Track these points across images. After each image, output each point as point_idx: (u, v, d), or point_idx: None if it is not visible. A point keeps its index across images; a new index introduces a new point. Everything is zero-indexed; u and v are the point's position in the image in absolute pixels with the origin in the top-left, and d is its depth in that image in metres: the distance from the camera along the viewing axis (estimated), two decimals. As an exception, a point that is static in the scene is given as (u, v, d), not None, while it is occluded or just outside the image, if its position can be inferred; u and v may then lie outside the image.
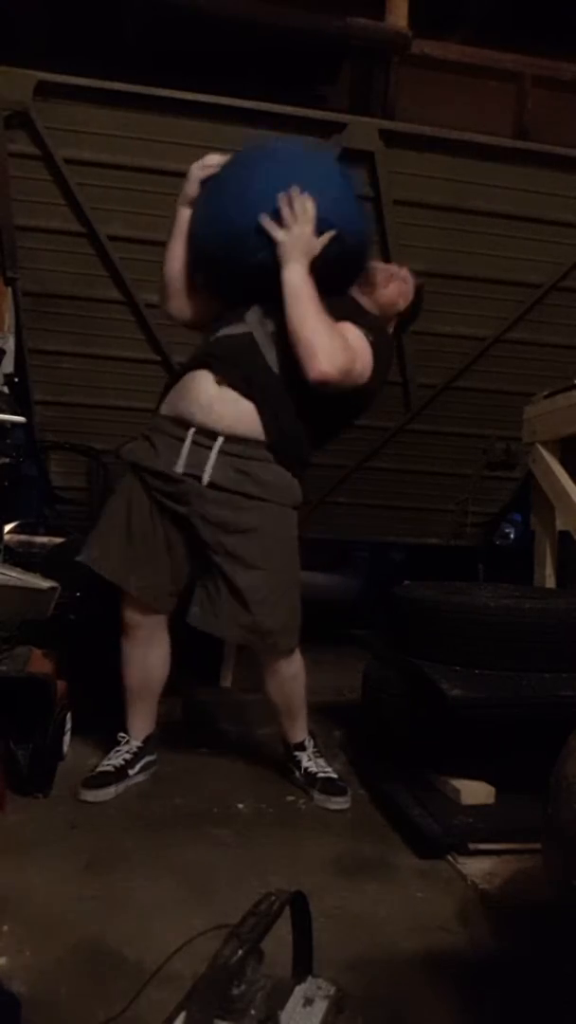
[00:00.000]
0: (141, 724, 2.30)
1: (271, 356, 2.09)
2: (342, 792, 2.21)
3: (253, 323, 2.12)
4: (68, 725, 2.40)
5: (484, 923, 1.62)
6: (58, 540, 3.39)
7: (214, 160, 2.15)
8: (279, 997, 0.89)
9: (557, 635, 2.13)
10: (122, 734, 2.29)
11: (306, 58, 4.32)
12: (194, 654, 2.48)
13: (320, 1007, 0.90)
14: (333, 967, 1.35)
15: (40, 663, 2.27)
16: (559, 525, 2.99)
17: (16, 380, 3.53)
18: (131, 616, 2.22)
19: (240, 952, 0.85)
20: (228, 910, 0.98)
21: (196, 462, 2.07)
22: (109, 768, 2.18)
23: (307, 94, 4.16)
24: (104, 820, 2.01)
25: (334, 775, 2.27)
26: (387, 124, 3.41)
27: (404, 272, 2.37)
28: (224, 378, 2.07)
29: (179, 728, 2.81)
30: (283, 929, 0.97)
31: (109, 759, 2.22)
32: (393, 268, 2.39)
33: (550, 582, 3.06)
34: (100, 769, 2.19)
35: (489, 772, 2.06)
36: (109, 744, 2.54)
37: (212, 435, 2.07)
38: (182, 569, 2.18)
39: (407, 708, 2.22)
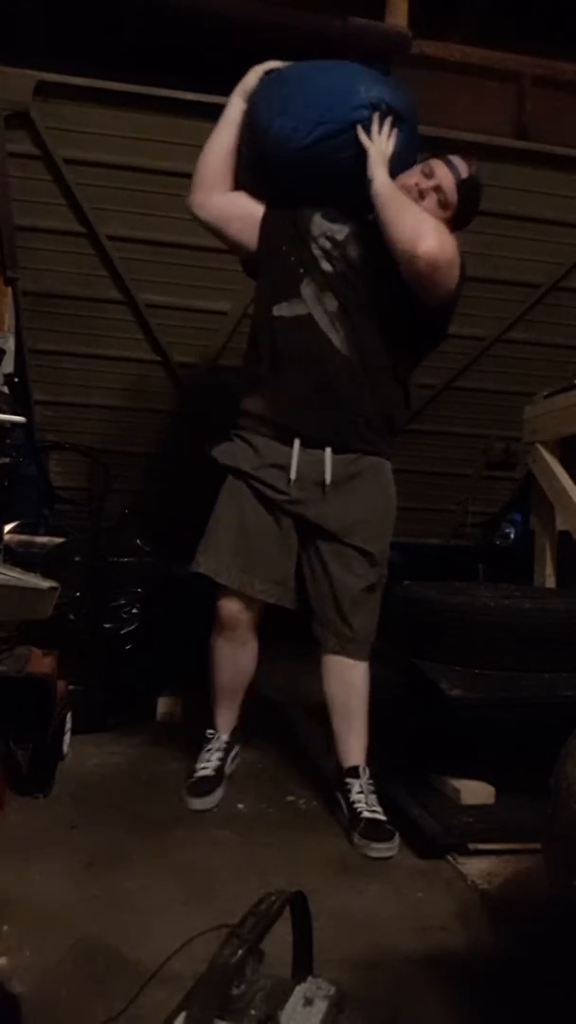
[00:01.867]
0: (228, 718, 2.29)
1: (337, 337, 2.08)
2: (387, 837, 1.93)
3: (311, 301, 2.09)
4: (68, 725, 2.40)
5: (484, 923, 1.62)
6: (58, 540, 3.39)
7: (279, 63, 2.16)
8: (279, 997, 0.89)
9: (557, 635, 2.13)
10: (210, 731, 2.28)
11: (306, 58, 4.32)
12: (194, 653, 2.49)
13: (320, 1007, 0.90)
14: (333, 967, 1.35)
15: (40, 663, 2.27)
16: (559, 525, 2.99)
17: (16, 380, 3.53)
18: (230, 615, 2.18)
19: (240, 952, 0.85)
20: (228, 910, 0.98)
21: (309, 469, 2.09)
22: (209, 771, 2.17)
23: (307, 94, 4.15)
24: (104, 820, 2.01)
25: (382, 816, 1.99)
26: (387, 124, 3.40)
27: (437, 176, 2.10)
28: (307, 386, 2.08)
29: (179, 728, 2.81)
30: (283, 929, 0.97)
31: (206, 760, 2.20)
32: (420, 178, 2.11)
33: (550, 582, 3.06)
34: (200, 774, 2.17)
35: (489, 772, 2.06)
36: (109, 744, 2.55)
37: (319, 445, 2.09)
38: (292, 561, 2.16)
39: (407, 708, 2.22)
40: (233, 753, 2.30)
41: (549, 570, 3.07)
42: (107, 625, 2.81)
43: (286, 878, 1.69)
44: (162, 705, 2.87)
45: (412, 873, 1.83)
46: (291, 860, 1.86)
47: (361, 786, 2.06)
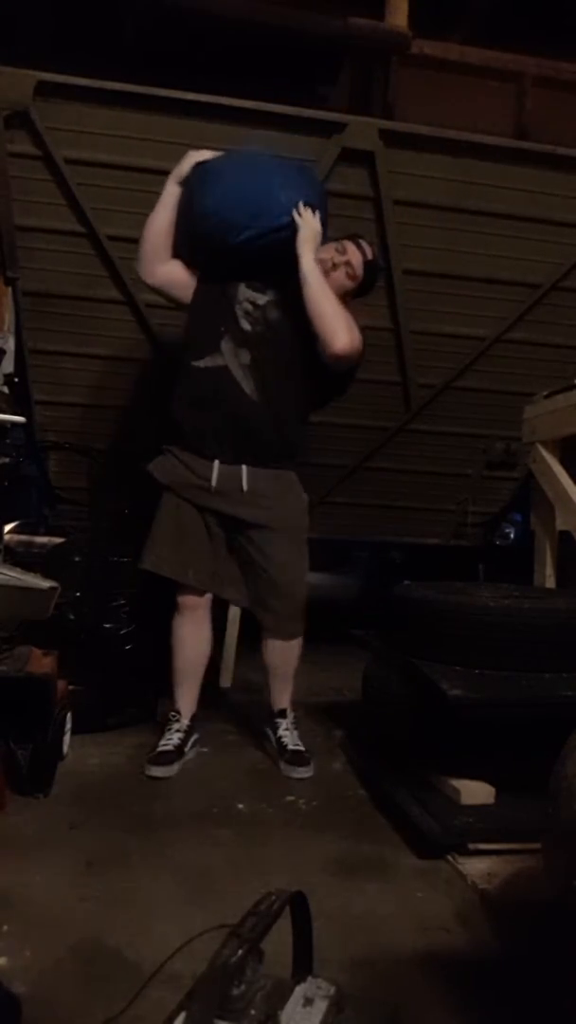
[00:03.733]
0: (189, 703, 2.57)
1: (248, 386, 2.45)
2: (306, 763, 2.44)
3: (228, 355, 2.45)
4: (68, 725, 2.40)
5: (484, 923, 1.62)
6: (58, 540, 3.39)
7: (209, 153, 2.49)
8: (279, 997, 0.88)
9: (557, 635, 2.13)
10: (173, 712, 2.55)
11: (306, 58, 4.33)
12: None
13: (320, 1007, 0.90)
14: (333, 967, 1.35)
15: (40, 663, 2.27)
16: (559, 525, 2.99)
17: (16, 380, 3.53)
18: (188, 599, 2.54)
19: (240, 952, 0.85)
20: (228, 910, 0.98)
21: (228, 480, 2.46)
22: (170, 747, 2.43)
23: (307, 94, 4.16)
24: (104, 820, 2.01)
25: (302, 748, 2.50)
26: (387, 124, 3.40)
27: (348, 254, 2.53)
28: (223, 424, 2.44)
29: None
30: (283, 929, 0.97)
31: (168, 738, 2.47)
32: (333, 254, 2.52)
33: (550, 582, 3.06)
34: (161, 748, 2.43)
35: (489, 772, 2.06)
36: (109, 743, 2.54)
37: (236, 464, 2.47)
38: (221, 553, 2.53)
39: (407, 708, 2.22)
40: (193, 738, 2.55)
41: (549, 570, 3.07)
42: (107, 625, 2.81)
43: (286, 878, 1.69)
44: (162, 705, 2.87)
45: (412, 873, 1.83)
46: (291, 860, 1.86)
47: (287, 725, 2.57)
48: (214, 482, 2.46)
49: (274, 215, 2.38)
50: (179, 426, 2.51)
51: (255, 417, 2.45)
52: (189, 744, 2.51)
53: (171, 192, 2.49)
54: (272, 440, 2.49)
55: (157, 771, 2.34)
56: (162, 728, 2.54)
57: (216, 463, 2.46)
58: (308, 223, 2.40)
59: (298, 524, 2.55)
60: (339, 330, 2.40)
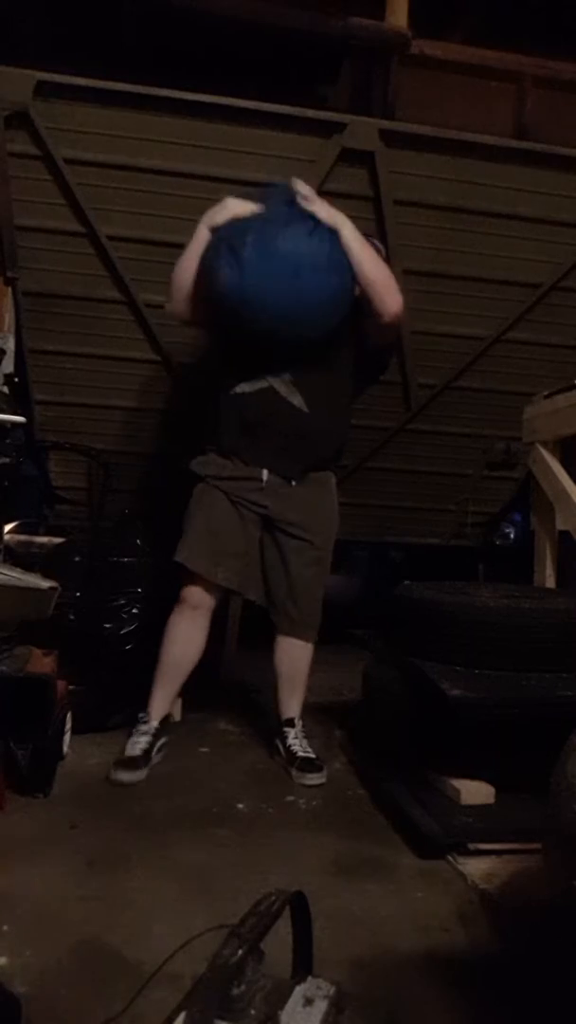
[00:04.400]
0: (161, 704, 2.50)
1: (296, 400, 2.44)
2: (318, 770, 2.39)
3: (270, 376, 2.44)
4: (68, 725, 2.40)
5: (484, 923, 1.62)
6: (58, 540, 3.39)
7: (247, 207, 2.40)
8: (279, 997, 0.89)
9: (557, 635, 2.13)
10: (142, 714, 2.48)
11: (306, 58, 4.33)
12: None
13: (320, 1007, 0.90)
14: (333, 967, 1.35)
15: (40, 663, 2.27)
16: (559, 525, 2.99)
17: (16, 380, 3.52)
18: (193, 596, 2.48)
19: (240, 952, 0.86)
20: (228, 910, 0.98)
21: (276, 482, 2.48)
22: (136, 753, 2.36)
23: (307, 94, 4.16)
24: (104, 820, 2.01)
25: (313, 756, 2.45)
26: (387, 124, 3.40)
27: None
28: (274, 443, 2.45)
29: (179, 728, 2.81)
30: (283, 929, 0.97)
31: (135, 743, 2.40)
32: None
33: (550, 582, 3.06)
34: (129, 754, 2.36)
35: (489, 772, 2.06)
36: (109, 744, 2.54)
37: (286, 478, 2.50)
38: (253, 555, 2.52)
39: (407, 708, 2.22)
40: (161, 741, 2.46)
41: (549, 570, 3.07)
42: (107, 625, 2.81)
43: (286, 878, 1.69)
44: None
45: (412, 873, 1.83)
46: (291, 860, 1.86)
47: (296, 733, 2.52)
48: (264, 479, 2.47)
49: (306, 328, 2.35)
50: (226, 452, 2.49)
51: (310, 429, 2.45)
52: (156, 748, 2.43)
53: (203, 236, 2.43)
54: (326, 447, 2.54)
55: (124, 776, 2.27)
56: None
57: (265, 473, 2.47)
58: (323, 208, 2.36)
59: (330, 530, 2.59)
60: (392, 290, 2.45)
